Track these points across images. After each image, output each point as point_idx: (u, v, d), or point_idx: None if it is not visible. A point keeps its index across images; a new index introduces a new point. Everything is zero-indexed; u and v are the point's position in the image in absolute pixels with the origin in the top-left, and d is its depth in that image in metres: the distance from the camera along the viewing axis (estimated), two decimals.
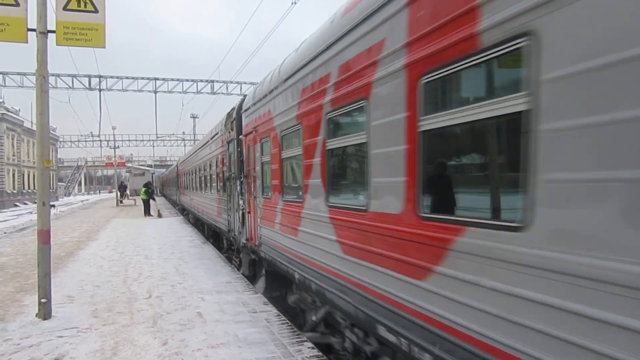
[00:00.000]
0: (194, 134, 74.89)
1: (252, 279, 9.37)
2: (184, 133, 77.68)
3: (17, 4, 6.36)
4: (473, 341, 2.85)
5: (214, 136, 13.33)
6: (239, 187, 9.64)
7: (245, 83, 47.57)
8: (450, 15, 2.96)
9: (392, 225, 3.77)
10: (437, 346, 3.20)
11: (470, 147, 3.28)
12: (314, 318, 6.15)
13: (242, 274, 9.72)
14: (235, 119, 9.90)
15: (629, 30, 1.92)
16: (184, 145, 73.72)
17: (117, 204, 40.54)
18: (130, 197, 47.01)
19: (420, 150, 3.36)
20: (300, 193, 5.90)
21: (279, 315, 6.63)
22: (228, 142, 10.84)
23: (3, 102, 55.19)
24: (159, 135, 70.15)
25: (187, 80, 49.09)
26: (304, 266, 5.83)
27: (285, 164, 6.67)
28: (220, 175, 11.95)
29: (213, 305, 7.15)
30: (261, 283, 8.66)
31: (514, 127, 2.50)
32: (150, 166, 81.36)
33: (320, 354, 5.14)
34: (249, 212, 8.99)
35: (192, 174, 19.98)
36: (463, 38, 2.85)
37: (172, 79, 49.11)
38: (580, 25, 2.12)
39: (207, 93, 49.09)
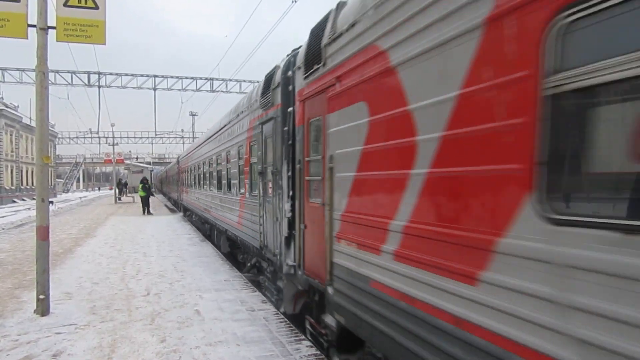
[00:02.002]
0: (193, 132, 74.87)
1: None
2: (182, 131, 77.82)
3: (18, 0, 6.34)
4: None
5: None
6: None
7: (244, 81, 47.58)
8: None
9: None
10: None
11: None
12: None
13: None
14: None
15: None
16: (183, 143, 73.75)
17: (116, 201, 40.50)
18: (128, 194, 46.91)
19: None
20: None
21: (277, 313, 6.63)
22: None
23: (2, 98, 55.04)
24: (157, 133, 70.20)
25: (186, 78, 49.11)
26: None
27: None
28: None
29: (211, 303, 7.15)
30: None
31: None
32: (149, 163, 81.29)
33: (318, 352, 5.15)
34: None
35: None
36: None
37: (172, 77, 49.12)
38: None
39: (206, 91, 49.12)
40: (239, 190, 10.13)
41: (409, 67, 3.34)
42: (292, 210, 6.30)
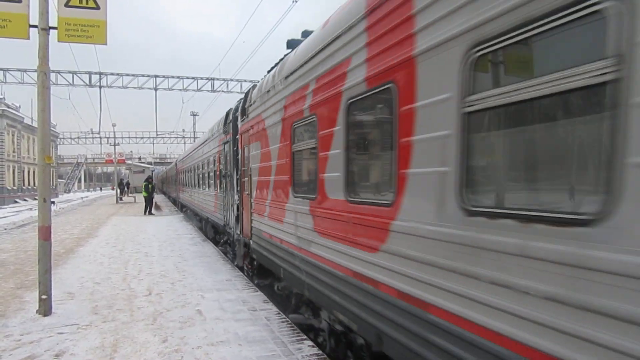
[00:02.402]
0: (194, 132, 74.94)
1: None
2: (184, 131, 77.87)
3: (19, 1, 6.35)
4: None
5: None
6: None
7: (245, 81, 47.56)
8: None
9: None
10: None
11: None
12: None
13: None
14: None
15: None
16: (184, 143, 73.82)
17: (117, 201, 40.56)
18: (130, 195, 46.91)
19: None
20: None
21: (279, 313, 6.63)
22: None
23: (4, 98, 55.13)
24: (159, 133, 70.25)
25: (187, 78, 49.12)
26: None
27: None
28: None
29: (213, 303, 7.16)
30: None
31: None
32: (150, 163, 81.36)
33: (320, 352, 5.15)
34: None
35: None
36: None
37: (173, 77, 49.13)
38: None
39: (208, 91, 49.12)
40: (214, 188, 14.20)
41: (269, 130, 7.13)
42: (239, 199, 10.18)
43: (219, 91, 48.97)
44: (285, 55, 6.86)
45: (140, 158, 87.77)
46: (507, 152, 2.79)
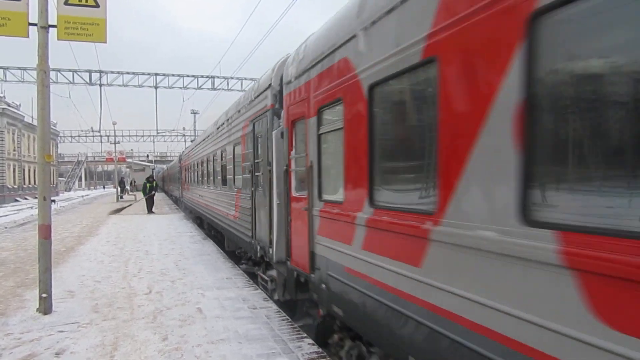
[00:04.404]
0: (195, 130, 74.81)
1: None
2: (184, 129, 77.43)
3: None
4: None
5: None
6: None
7: (245, 79, 47.43)
8: None
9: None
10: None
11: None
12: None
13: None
14: None
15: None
16: (184, 141, 73.68)
17: (118, 200, 40.56)
18: (130, 193, 46.91)
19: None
20: None
21: (278, 311, 6.64)
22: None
23: (4, 97, 55.10)
24: (159, 131, 70.14)
25: (187, 76, 48.88)
26: None
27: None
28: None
29: (213, 301, 7.17)
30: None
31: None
32: (151, 161, 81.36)
33: (320, 350, 5.16)
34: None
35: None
36: None
37: (173, 75, 48.85)
38: None
39: (208, 89, 48.93)
40: (178, 185, 29.84)
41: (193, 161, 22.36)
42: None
43: (219, 89, 48.82)
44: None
45: (147, 156, 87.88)
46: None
